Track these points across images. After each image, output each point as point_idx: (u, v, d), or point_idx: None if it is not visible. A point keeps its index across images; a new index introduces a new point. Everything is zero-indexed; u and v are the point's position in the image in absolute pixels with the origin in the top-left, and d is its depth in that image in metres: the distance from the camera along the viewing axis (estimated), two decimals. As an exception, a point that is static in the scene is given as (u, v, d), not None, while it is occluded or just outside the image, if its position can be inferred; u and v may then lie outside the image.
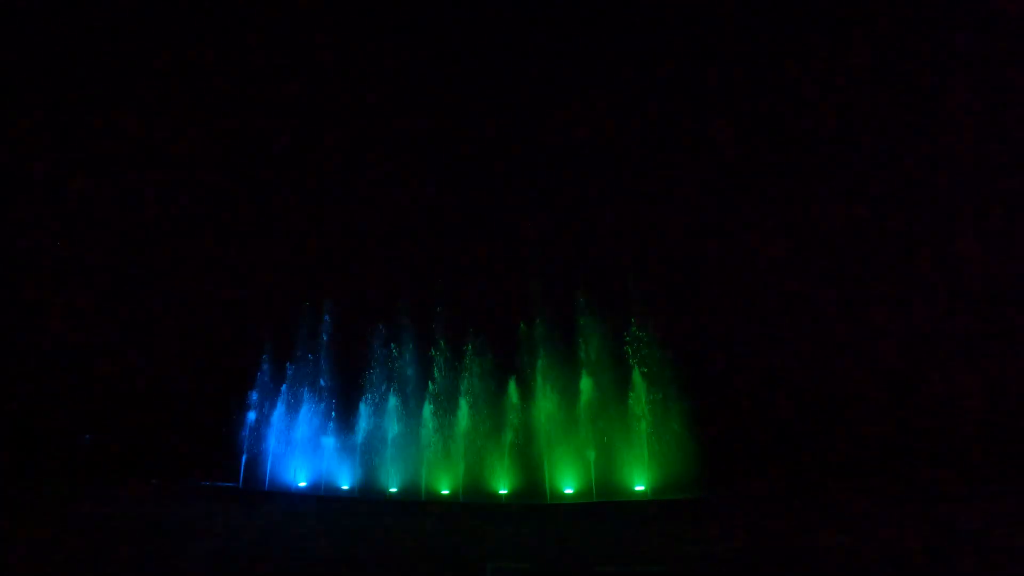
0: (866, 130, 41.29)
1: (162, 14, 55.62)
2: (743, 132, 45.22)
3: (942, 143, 37.31)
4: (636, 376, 23.99)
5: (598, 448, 23.40)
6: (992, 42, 36.71)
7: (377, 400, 28.95)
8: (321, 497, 27.64)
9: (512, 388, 25.47)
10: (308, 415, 30.43)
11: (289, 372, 32.53)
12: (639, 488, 22.70)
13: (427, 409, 26.91)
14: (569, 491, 23.45)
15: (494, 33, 54.26)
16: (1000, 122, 35.51)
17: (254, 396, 32.56)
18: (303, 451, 30.10)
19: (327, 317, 32.99)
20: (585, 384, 24.15)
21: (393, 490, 27.06)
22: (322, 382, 31.23)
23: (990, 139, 35.66)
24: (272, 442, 30.90)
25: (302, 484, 30.20)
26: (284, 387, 32.20)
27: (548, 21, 55.19)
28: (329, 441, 29.37)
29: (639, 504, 21.19)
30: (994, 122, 35.74)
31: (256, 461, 30.93)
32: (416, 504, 24.52)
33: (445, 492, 25.81)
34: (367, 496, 27.03)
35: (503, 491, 24.34)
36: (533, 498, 23.29)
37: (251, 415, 31.84)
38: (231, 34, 56.09)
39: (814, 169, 41.61)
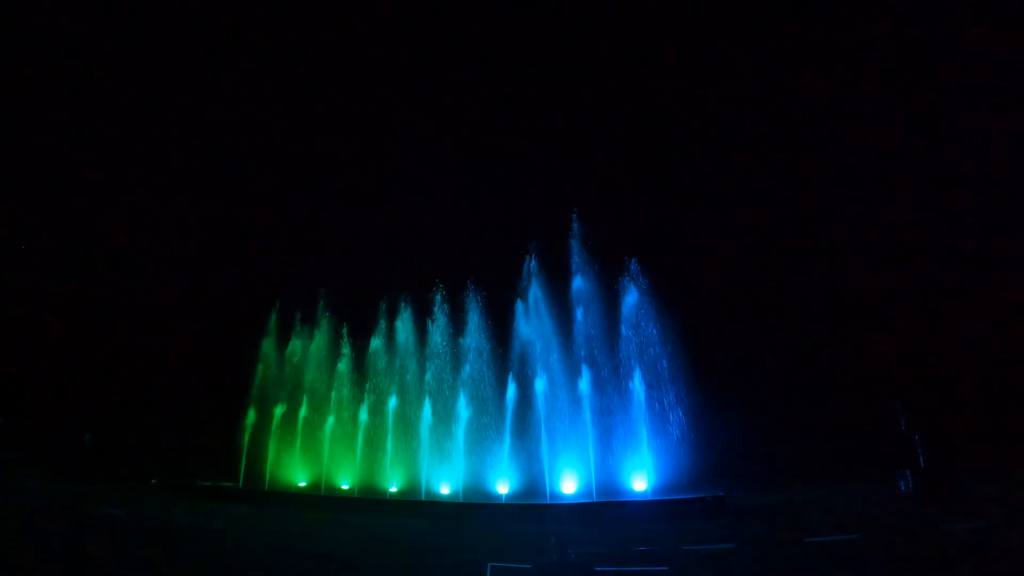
0: (867, 128, 41.27)
1: (164, 14, 55.65)
2: (744, 129, 45.24)
3: (942, 141, 37.27)
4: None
5: (598, 449, 23.37)
6: (994, 42, 36.66)
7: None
8: (321, 497, 27.62)
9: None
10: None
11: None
12: (639, 488, 22.64)
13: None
14: (569, 491, 23.39)
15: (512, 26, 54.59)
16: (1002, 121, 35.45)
17: (254, 395, 32.54)
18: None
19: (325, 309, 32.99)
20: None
21: (393, 489, 27.06)
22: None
23: (991, 138, 35.61)
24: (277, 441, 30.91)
25: (302, 484, 30.19)
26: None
27: (554, 15, 55.31)
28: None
29: (639, 504, 21.11)
30: (996, 121, 35.68)
31: (256, 461, 30.90)
32: (416, 504, 24.47)
33: (445, 492, 25.79)
34: (367, 496, 27.01)
35: (503, 491, 24.29)
36: (533, 498, 23.23)
37: (251, 414, 31.81)
38: (231, 33, 56.13)
39: (815, 166, 41.59)
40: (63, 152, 52.41)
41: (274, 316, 34.42)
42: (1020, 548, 12.86)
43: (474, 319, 28.07)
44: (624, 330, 25.29)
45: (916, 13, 39.94)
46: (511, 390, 25.59)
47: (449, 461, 26.30)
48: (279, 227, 49.82)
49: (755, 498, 22.83)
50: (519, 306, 27.03)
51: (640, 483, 22.72)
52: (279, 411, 31.66)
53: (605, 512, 20.30)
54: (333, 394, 30.89)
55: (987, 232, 33.78)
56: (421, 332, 29.84)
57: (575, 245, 27.04)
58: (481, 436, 26.09)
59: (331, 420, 30.28)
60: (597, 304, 26.14)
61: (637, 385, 23.94)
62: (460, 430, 25.99)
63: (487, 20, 57.20)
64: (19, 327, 44.02)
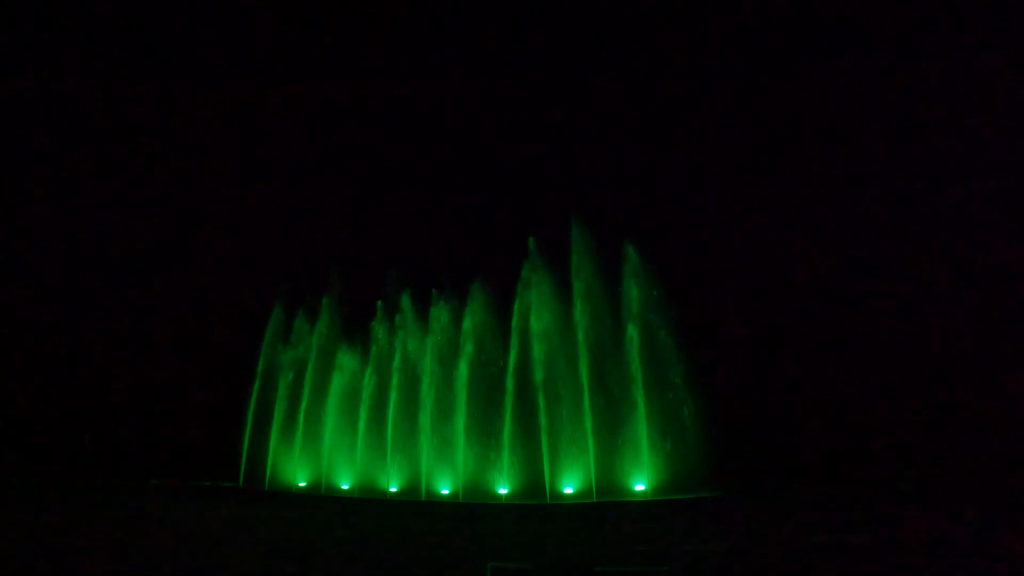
0: (870, 129, 41.30)
1: (162, 12, 55.67)
2: (750, 128, 45.31)
3: (945, 141, 37.31)
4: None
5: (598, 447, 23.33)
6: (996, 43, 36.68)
7: None
8: (321, 497, 27.60)
9: None
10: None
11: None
12: (639, 488, 22.62)
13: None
14: (569, 491, 23.37)
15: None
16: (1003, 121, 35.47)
17: (255, 395, 32.45)
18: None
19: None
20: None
21: (393, 489, 27.00)
22: None
23: (992, 138, 35.62)
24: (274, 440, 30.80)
25: (302, 484, 30.14)
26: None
27: (559, 15, 55.50)
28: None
29: (639, 504, 21.11)
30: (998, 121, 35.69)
31: (256, 460, 30.84)
32: (416, 504, 24.45)
33: (445, 492, 25.75)
34: (367, 496, 26.98)
35: (503, 491, 24.27)
36: (533, 498, 23.20)
37: (251, 413, 31.74)
38: (231, 32, 56.15)
39: (820, 165, 41.60)
40: (61, 150, 52.40)
41: (276, 312, 34.28)
42: (1020, 548, 12.87)
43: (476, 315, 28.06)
44: (625, 327, 25.24)
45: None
46: (510, 385, 25.50)
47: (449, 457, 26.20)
48: (280, 223, 49.84)
49: (755, 498, 22.81)
50: (519, 304, 26.97)
51: (640, 483, 22.71)
52: (279, 410, 31.58)
53: (605, 512, 20.29)
54: (333, 393, 30.78)
55: (987, 234, 33.81)
56: (422, 329, 29.71)
57: (575, 240, 26.94)
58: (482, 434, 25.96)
59: (331, 420, 30.18)
60: (597, 302, 26.06)
61: (638, 384, 23.91)
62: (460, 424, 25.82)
63: (488, 16, 57.33)
64: (18, 328, 44.02)
